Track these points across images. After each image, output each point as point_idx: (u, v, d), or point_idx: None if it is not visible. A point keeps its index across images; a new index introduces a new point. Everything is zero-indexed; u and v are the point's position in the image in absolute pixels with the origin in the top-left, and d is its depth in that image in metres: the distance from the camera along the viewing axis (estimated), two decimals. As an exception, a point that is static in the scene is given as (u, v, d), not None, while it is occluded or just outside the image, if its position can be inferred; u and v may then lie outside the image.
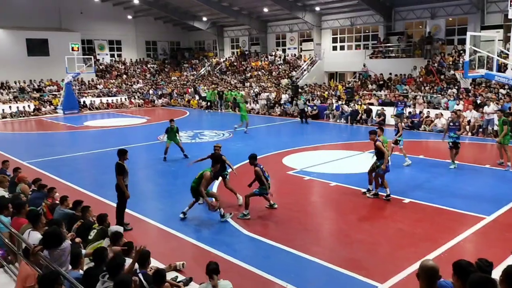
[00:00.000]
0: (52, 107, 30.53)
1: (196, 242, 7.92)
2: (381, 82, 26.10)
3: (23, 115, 28.33)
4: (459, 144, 12.78)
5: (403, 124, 14.25)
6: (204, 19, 38.87)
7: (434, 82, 23.39)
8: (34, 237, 5.84)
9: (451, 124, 12.89)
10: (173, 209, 9.81)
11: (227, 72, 37.21)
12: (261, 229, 8.43)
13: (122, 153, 8.60)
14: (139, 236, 8.22)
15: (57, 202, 7.89)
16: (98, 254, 5.08)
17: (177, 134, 15.04)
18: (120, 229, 6.19)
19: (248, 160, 9.84)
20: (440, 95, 21.81)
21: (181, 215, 9.17)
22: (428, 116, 20.43)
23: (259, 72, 34.44)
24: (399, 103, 20.83)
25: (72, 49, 29.65)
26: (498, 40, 18.82)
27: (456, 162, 12.87)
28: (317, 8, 31.15)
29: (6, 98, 29.88)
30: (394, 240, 7.86)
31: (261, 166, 9.54)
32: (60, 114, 29.35)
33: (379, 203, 9.94)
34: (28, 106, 29.48)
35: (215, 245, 7.70)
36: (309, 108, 24.72)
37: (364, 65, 28.41)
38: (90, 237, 6.60)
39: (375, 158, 10.31)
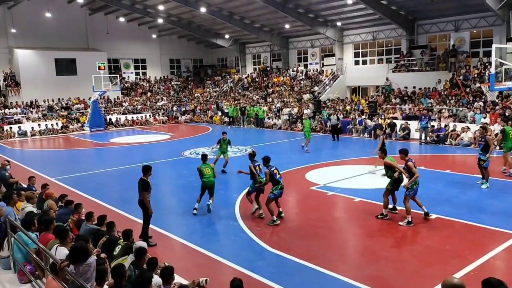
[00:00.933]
0: (79, 124, 31.32)
1: (219, 258, 7.90)
2: (404, 96, 25.80)
3: (51, 132, 29.13)
4: (481, 163, 11.98)
5: (382, 136, 14.13)
6: (227, 36, 39.45)
7: (460, 95, 22.98)
8: (61, 252, 5.94)
9: (480, 139, 12.51)
10: (196, 225, 9.86)
11: (249, 88, 37.49)
12: (284, 246, 8.35)
13: (146, 170, 8.88)
14: (163, 252, 8.27)
15: (83, 218, 8.02)
16: (116, 270, 5.12)
17: (228, 146, 15.60)
18: (145, 245, 6.23)
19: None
20: (466, 109, 21.38)
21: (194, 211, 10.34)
22: (454, 130, 20.03)
23: (281, 88, 34.57)
24: (423, 116, 20.52)
25: (99, 68, 30.49)
26: (525, 51, 18.49)
27: (486, 181, 12.11)
28: (339, 23, 31.22)
29: (35, 116, 30.82)
30: (421, 257, 7.66)
31: (257, 163, 10.23)
32: (87, 131, 30.06)
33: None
34: (56, 123, 30.33)
35: (239, 261, 7.67)
36: (338, 122, 24.59)
37: (387, 79, 28.18)
38: (115, 253, 6.66)
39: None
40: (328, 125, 24.77)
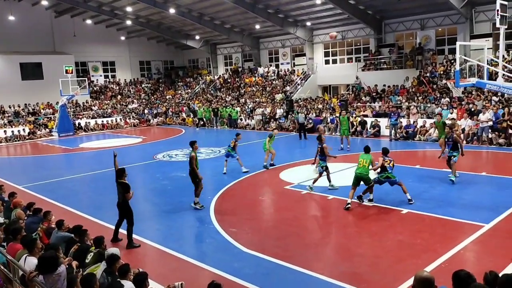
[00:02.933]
0: (47, 130, 30.48)
1: (194, 261, 7.83)
2: (374, 94, 26.29)
3: (18, 139, 28.25)
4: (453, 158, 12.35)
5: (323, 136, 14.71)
6: (197, 37, 39.21)
7: (427, 92, 23.58)
8: (30, 262, 5.76)
9: (447, 139, 12.91)
10: (170, 229, 9.76)
11: (222, 89, 37.39)
12: (260, 246, 8.35)
13: (122, 172, 9.02)
14: (137, 258, 8.15)
15: (53, 226, 7.81)
16: (85, 281, 4.99)
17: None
18: (117, 251, 6.11)
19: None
20: (434, 105, 21.95)
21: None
22: (423, 126, 20.53)
23: (253, 88, 34.62)
24: (392, 113, 20.98)
25: (66, 72, 29.76)
26: (488, 48, 19.14)
27: (454, 175, 12.41)
28: (308, 23, 31.52)
29: (1, 122, 29.82)
30: (394, 252, 7.82)
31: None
32: (55, 137, 29.29)
33: (378, 215, 9.92)
34: (23, 130, 29.42)
35: (214, 263, 7.63)
36: (304, 121, 24.78)
37: (357, 77, 28.66)
38: (87, 261, 6.51)
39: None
40: (289, 125, 25.14)
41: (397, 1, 25.37)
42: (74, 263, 6.29)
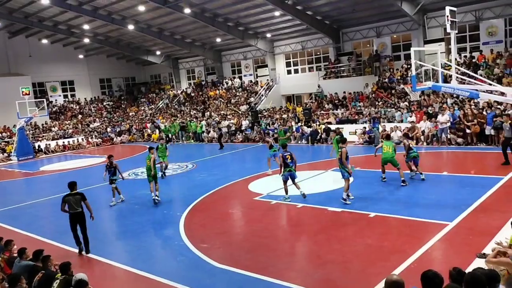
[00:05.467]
0: (6, 154, 29.27)
1: (166, 281, 7.65)
2: (336, 101, 26.82)
3: (-26, 165, 27.00)
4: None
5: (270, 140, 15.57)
6: (158, 52, 38.93)
7: (386, 98, 24.27)
8: (-9, 296, 5.49)
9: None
10: (139, 249, 9.53)
11: (186, 104, 37.16)
12: (232, 260, 8.28)
13: (74, 185, 9.81)
14: (106, 282, 7.90)
15: (15, 255, 7.47)
16: None
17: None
18: (85, 277, 5.91)
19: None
20: (393, 109, 22.60)
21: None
22: (384, 130, 21.03)
23: (218, 101, 34.60)
24: (375, 120, 21.14)
25: (23, 94, 28.77)
26: (441, 52, 19.93)
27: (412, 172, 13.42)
28: (268, 35, 31.94)
29: (-46, 149, 28.45)
30: (364, 256, 7.93)
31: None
32: (14, 161, 28.15)
33: (346, 220, 10.06)
34: (-21, 155, 28.14)
35: (187, 281, 7.49)
36: (270, 131, 24.97)
37: (319, 86, 29.18)
38: (53, 288, 6.26)
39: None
40: (255, 136, 25.32)
41: (352, 10, 26.13)
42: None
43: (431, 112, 20.37)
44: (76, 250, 9.44)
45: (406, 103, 22.48)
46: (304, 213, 10.95)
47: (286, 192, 11.95)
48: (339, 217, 10.25)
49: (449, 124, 18.52)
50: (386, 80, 25.82)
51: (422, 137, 19.47)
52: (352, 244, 8.58)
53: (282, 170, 12.13)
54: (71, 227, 9.40)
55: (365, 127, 21.53)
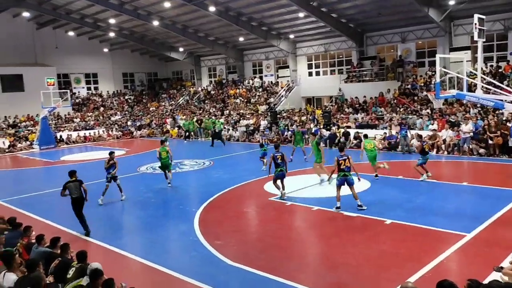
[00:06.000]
0: (28, 142, 29.94)
1: (179, 275, 7.73)
2: (357, 106, 26.61)
3: (-2, 152, 27.70)
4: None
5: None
6: (181, 49, 39.25)
7: (408, 104, 23.97)
8: (9, 278, 5.64)
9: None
10: (154, 242, 9.64)
11: (205, 101, 37.38)
12: (244, 258, 8.30)
13: (74, 172, 10.90)
14: (121, 272, 8.01)
15: (33, 241, 7.64)
16: None
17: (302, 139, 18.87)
18: (100, 266, 6.00)
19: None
20: (415, 116, 22.30)
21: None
22: (414, 137, 20.64)
23: (237, 100, 34.71)
24: (402, 126, 20.74)
25: (48, 84, 29.37)
26: (467, 61, 19.61)
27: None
28: (292, 36, 31.88)
29: (-20, 135, 29.22)
30: (378, 262, 7.85)
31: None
32: (36, 149, 28.77)
33: (361, 225, 9.97)
34: (3, 142, 28.82)
35: (200, 277, 7.54)
36: (289, 132, 24.90)
37: (339, 89, 28.99)
38: (69, 276, 6.38)
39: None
40: (273, 136, 25.27)
41: (378, 14, 25.89)
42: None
43: (453, 121, 20.03)
44: (89, 238, 9.61)
45: (428, 110, 22.16)
46: (319, 216, 10.90)
47: (279, 188, 12.49)
48: (354, 222, 10.17)
49: (471, 134, 18.19)
50: (409, 86, 25.49)
51: (443, 146, 19.15)
52: (366, 249, 8.50)
53: (274, 169, 12.43)
54: (75, 213, 10.43)
55: (385, 133, 21.28)
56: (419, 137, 16.50)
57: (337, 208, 10.89)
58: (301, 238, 9.81)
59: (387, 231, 9.47)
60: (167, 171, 14.94)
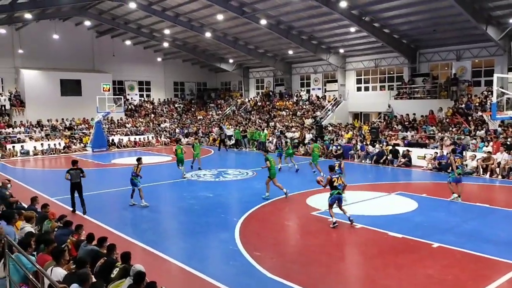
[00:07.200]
0: (82, 144, 31.40)
1: (217, 283, 7.78)
2: (406, 123, 25.89)
3: (54, 152, 29.19)
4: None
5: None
6: (231, 61, 39.96)
7: (461, 124, 23.04)
8: (56, 273, 5.88)
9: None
10: (195, 248, 9.77)
11: (252, 112, 37.72)
12: (284, 272, 8.22)
13: (76, 162, 13.79)
14: (161, 276, 8.16)
15: (83, 239, 7.95)
16: None
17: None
18: (143, 268, 6.15)
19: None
20: (468, 137, 21.39)
21: None
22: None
23: (283, 112, 34.76)
24: (457, 146, 20.04)
25: (103, 90, 30.80)
26: (527, 81, 18.62)
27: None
28: (341, 50, 31.63)
29: (39, 136, 30.97)
30: (423, 286, 7.54)
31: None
32: (89, 151, 30.10)
33: (407, 247, 9.62)
34: (59, 143, 30.42)
35: (237, 286, 7.56)
36: (334, 147, 24.59)
37: (389, 106, 28.35)
38: (112, 275, 6.58)
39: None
40: (329, 150, 24.87)
41: (433, 31, 25.20)
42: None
43: (509, 143, 19.03)
44: (134, 240, 9.87)
45: (483, 131, 21.20)
46: (362, 235, 10.64)
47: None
48: (399, 243, 9.83)
49: (529, 158, 17.19)
50: (463, 105, 24.52)
51: (497, 169, 18.21)
52: (411, 273, 8.19)
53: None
54: (71, 194, 13.15)
55: (436, 153, 20.53)
56: (453, 152, 15.97)
57: (334, 223, 10.99)
58: (342, 255, 9.61)
59: (434, 255, 9.07)
60: (180, 165, 18.78)
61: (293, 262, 8.90)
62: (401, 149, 22.48)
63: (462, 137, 21.67)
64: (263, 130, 30.96)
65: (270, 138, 29.32)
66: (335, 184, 11.11)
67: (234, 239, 10.23)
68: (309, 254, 9.31)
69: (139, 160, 14.39)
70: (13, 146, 28.60)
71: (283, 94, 38.07)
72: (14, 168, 23.68)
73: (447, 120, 24.12)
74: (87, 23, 34.08)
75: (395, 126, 26.24)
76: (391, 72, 30.95)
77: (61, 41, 34.48)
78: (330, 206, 11.22)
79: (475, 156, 19.21)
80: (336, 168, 13.10)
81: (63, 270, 6.11)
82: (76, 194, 13.18)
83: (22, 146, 28.75)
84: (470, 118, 23.30)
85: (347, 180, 14.91)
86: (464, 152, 19.66)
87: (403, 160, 21.64)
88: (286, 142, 23.87)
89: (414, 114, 26.15)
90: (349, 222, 11.04)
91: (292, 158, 21.09)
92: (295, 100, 36.10)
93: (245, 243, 9.83)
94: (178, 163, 18.97)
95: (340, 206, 11.33)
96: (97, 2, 29.52)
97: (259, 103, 38.75)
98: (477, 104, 23.96)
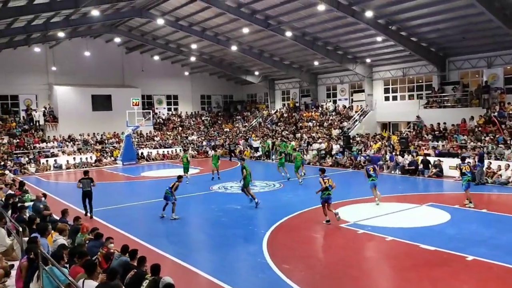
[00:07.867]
0: (113, 158, 32.10)
1: (246, 296, 7.74)
2: (437, 133, 25.31)
3: (85, 165, 29.94)
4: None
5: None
6: (256, 73, 40.22)
7: (495, 132, 22.33)
8: (89, 286, 5.98)
9: None
10: (223, 261, 9.77)
11: (278, 123, 37.72)
12: (312, 284, 8.12)
13: (88, 172, 15.69)
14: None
15: (112, 251, 8.08)
16: None
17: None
18: (172, 281, 6.20)
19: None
20: (503, 146, 20.71)
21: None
22: (489, 168, 19.35)
23: (310, 123, 34.61)
24: (482, 155, 19.53)
25: (133, 104, 31.47)
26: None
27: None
28: (368, 60, 31.34)
29: (71, 150, 31.86)
30: (458, 302, 7.29)
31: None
32: (120, 165, 30.73)
33: (440, 260, 9.34)
34: (90, 157, 31.20)
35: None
36: (362, 158, 24.27)
37: (418, 117, 27.75)
38: (142, 287, 6.65)
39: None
40: (357, 161, 24.57)
41: (462, 38, 24.68)
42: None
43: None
44: (163, 252, 9.96)
45: (517, 140, 20.50)
46: (393, 247, 10.40)
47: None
48: (432, 256, 9.54)
49: None
50: (496, 114, 23.80)
51: (534, 179, 17.54)
52: (445, 286, 7.93)
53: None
54: (83, 201, 14.65)
55: (469, 162, 19.94)
56: (463, 160, 15.98)
57: (327, 221, 12.35)
58: (373, 268, 9.40)
59: (469, 269, 8.78)
60: (188, 174, 21.20)
61: (323, 275, 8.78)
62: (431, 159, 21.96)
63: (495, 147, 21.00)
64: (290, 141, 30.87)
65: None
66: (326, 185, 12.35)
67: (262, 251, 10.18)
68: (339, 267, 9.16)
69: (180, 178, 14.46)
70: (47, 160, 29.54)
71: (309, 105, 37.96)
72: (48, 181, 24.40)
73: (479, 129, 23.45)
74: (117, 39, 35.08)
75: (425, 135, 25.69)
76: (420, 81, 30.39)
77: (92, 58, 35.55)
78: (323, 205, 12.54)
79: (509, 166, 18.60)
80: (371, 172, 14.59)
81: (95, 282, 6.21)
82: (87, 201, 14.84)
83: (55, 160, 29.65)
84: (503, 126, 22.58)
85: (379, 189, 14.88)
86: (484, 160, 19.17)
87: (434, 170, 21.12)
88: (280, 153, 25.59)
89: (445, 123, 25.54)
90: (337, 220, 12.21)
91: (285, 167, 21.78)
92: (320, 111, 35.91)
93: (273, 256, 9.77)
94: (184, 171, 21.11)
95: (329, 206, 12.49)
96: (126, 20, 30.39)
97: (285, 115, 38.74)
98: (510, 112, 23.21)
